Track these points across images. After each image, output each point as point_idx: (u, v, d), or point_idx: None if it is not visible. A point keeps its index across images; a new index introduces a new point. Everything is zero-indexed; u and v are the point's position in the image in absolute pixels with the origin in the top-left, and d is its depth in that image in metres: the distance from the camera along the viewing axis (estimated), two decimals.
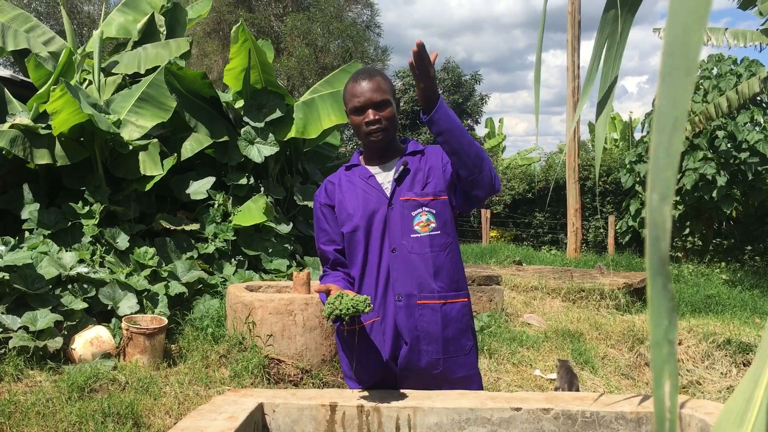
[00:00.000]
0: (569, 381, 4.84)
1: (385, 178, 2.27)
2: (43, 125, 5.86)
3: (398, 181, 2.23)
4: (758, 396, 0.51)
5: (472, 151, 2.10)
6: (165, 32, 7.87)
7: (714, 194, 11.84)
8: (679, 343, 5.82)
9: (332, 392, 2.19)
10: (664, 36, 0.41)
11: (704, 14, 0.38)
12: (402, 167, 2.24)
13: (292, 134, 6.90)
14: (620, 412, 1.95)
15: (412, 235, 2.19)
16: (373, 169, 2.30)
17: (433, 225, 2.20)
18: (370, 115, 2.18)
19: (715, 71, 12.71)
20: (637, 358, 5.70)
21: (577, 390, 4.88)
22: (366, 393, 2.14)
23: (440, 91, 2.22)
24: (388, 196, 2.23)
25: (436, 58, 2.05)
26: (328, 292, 2.07)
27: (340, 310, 1.95)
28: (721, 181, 11.79)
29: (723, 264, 12.11)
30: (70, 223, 5.80)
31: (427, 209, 2.20)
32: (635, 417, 1.94)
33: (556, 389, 4.96)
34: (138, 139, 6.27)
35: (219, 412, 1.98)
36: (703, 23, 0.38)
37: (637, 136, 15.04)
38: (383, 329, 2.22)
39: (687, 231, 13.01)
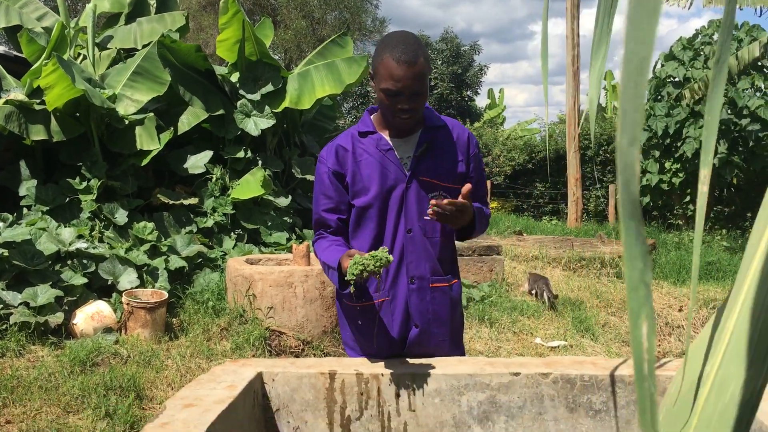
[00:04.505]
0: (538, 287, 5.99)
1: (404, 152, 2.14)
2: (38, 101, 5.81)
3: (419, 159, 2.13)
4: (729, 326, 0.51)
5: (478, 234, 2.23)
6: (155, 4, 7.79)
7: (715, 161, 11.78)
8: (680, 309, 5.84)
9: (331, 361, 2.19)
10: None
11: None
12: (425, 145, 2.13)
13: (286, 104, 6.84)
14: (619, 376, 1.94)
15: (425, 218, 2.11)
16: (391, 140, 2.16)
17: None
18: (405, 103, 2.02)
19: (716, 37, 12.56)
20: None
21: (547, 284, 6.00)
22: (365, 361, 2.14)
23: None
24: (407, 174, 2.12)
25: (469, 191, 1.99)
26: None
27: (372, 266, 1.83)
28: (722, 148, 11.73)
29: (724, 231, 12.11)
30: (68, 199, 5.79)
31: (445, 195, 2.11)
32: (634, 380, 1.94)
33: (529, 292, 6.10)
34: (134, 114, 6.23)
35: (218, 382, 1.98)
36: None
37: None
38: (392, 309, 2.16)
39: (688, 198, 12.98)
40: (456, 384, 1.99)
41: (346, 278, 1.90)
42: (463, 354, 2.29)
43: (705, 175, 0.55)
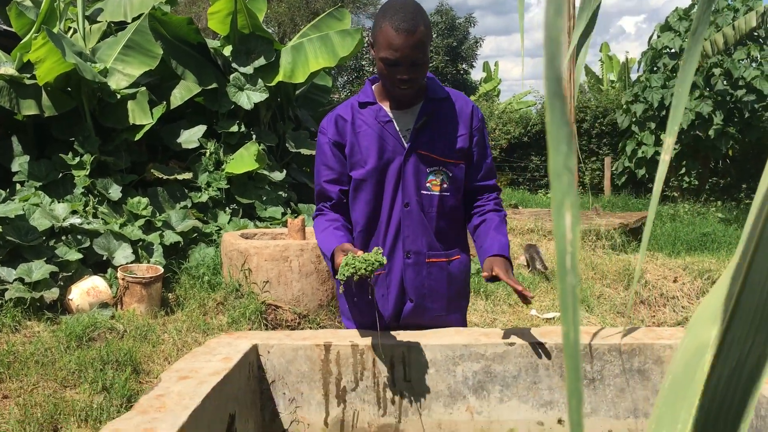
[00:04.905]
0: (530, 254, 6.23)
1: (404, 125, 2.09)
2: (29, 75, 5.75)
3: (418, 132, 2.07)
4: (735, 291, 0.49)
5: None
6: None
7: (710, 133, 11.75)
8: (675, 281, 5.86)
9: (327, 332, 2.19)
10: None
11: None
12: (425, 118, 2.07)
13: (279, 78, 6.78)
14: (614, 344, 1.95)
15: (423, 191, 2.07)
16: (391, 112, 2.11)
17: (445, 186, 2.09)
18: (405, 74, 1.95)
19: (712, 7, 12.42)
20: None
21: (538, 252, 6.27)
22: (360, 332, 2.14)
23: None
24: (406, 146, 2.06)
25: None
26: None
27: (363, 269, 1.79)
28: (718, 119, 11.68)
29: (719, 203, 12.12)
30: (60, 174, 5.75)
31: (444, 170, 2.07)
32: (628, 349, 1.94)
33: (527, 266, 6.27)
34: (126, 88, 6.16)
35: (213, 354, 1.98)
36: None
37: (634, 76, 14.86)
38: (388, 283, 2.15)
39: (683, 170, 12.97)
40: (451, 354, 1.99)
41: (336, 277, 1.86)
42: (464, 326, 2.28)
43: (669, 144, 0.53)
